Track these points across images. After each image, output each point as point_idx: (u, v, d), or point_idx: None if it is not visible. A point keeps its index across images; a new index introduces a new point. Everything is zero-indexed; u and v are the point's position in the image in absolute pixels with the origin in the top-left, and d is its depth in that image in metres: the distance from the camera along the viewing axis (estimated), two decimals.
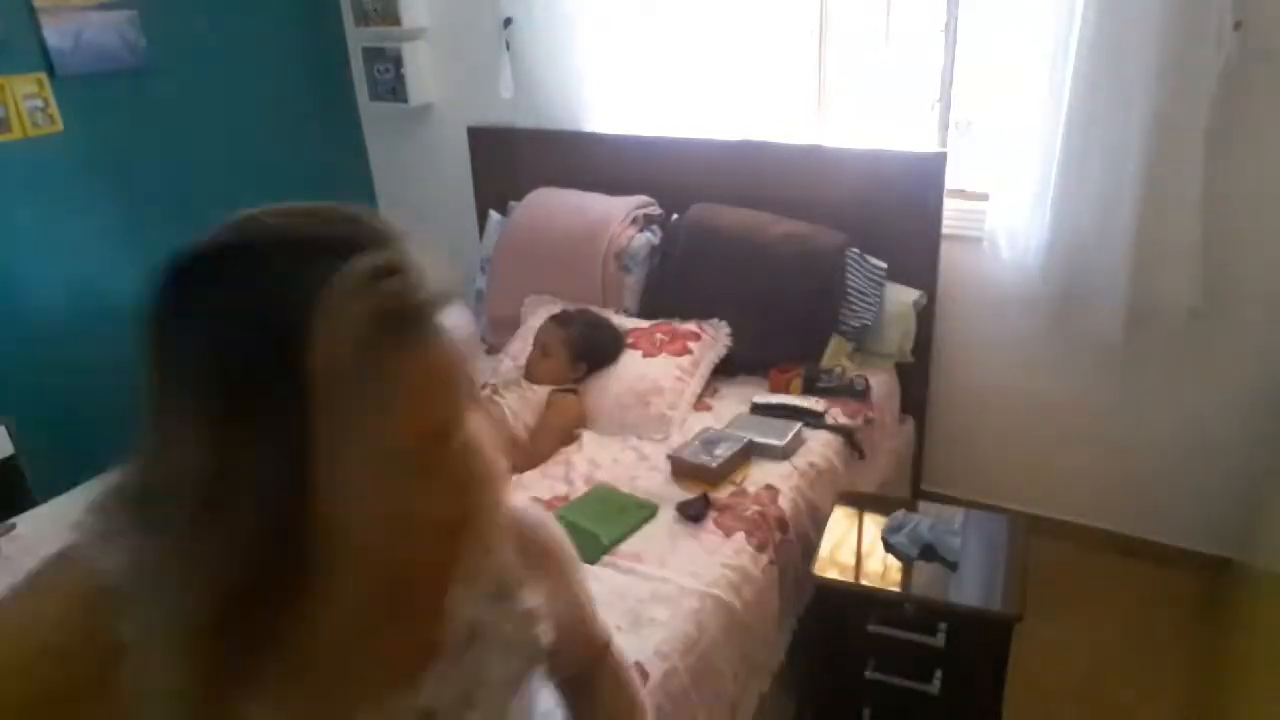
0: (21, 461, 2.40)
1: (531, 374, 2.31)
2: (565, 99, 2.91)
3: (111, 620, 0.59)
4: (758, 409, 2.23)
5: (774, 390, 2.33)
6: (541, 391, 2.24)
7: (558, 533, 0.87)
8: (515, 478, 2.06)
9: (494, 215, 3.04)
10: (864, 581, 1.84)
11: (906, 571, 1.85)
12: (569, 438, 2.21)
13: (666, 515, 1.87)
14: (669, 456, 2.04)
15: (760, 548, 1.80)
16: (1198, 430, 2.45)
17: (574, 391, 2.30)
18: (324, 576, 0.59)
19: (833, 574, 1.86)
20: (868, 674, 1.87)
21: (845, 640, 1.89)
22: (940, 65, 2.46)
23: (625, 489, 1.97)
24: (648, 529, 1.83)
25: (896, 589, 1.82)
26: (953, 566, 1.83)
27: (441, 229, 3.48)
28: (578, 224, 2.73)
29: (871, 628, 1.83)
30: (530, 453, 2.12)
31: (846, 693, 1.94)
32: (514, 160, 3.10)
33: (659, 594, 1.63)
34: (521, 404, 2.19)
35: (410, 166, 3.49)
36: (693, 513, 1.84)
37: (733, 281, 2.49)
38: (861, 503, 2.07)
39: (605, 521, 1.82)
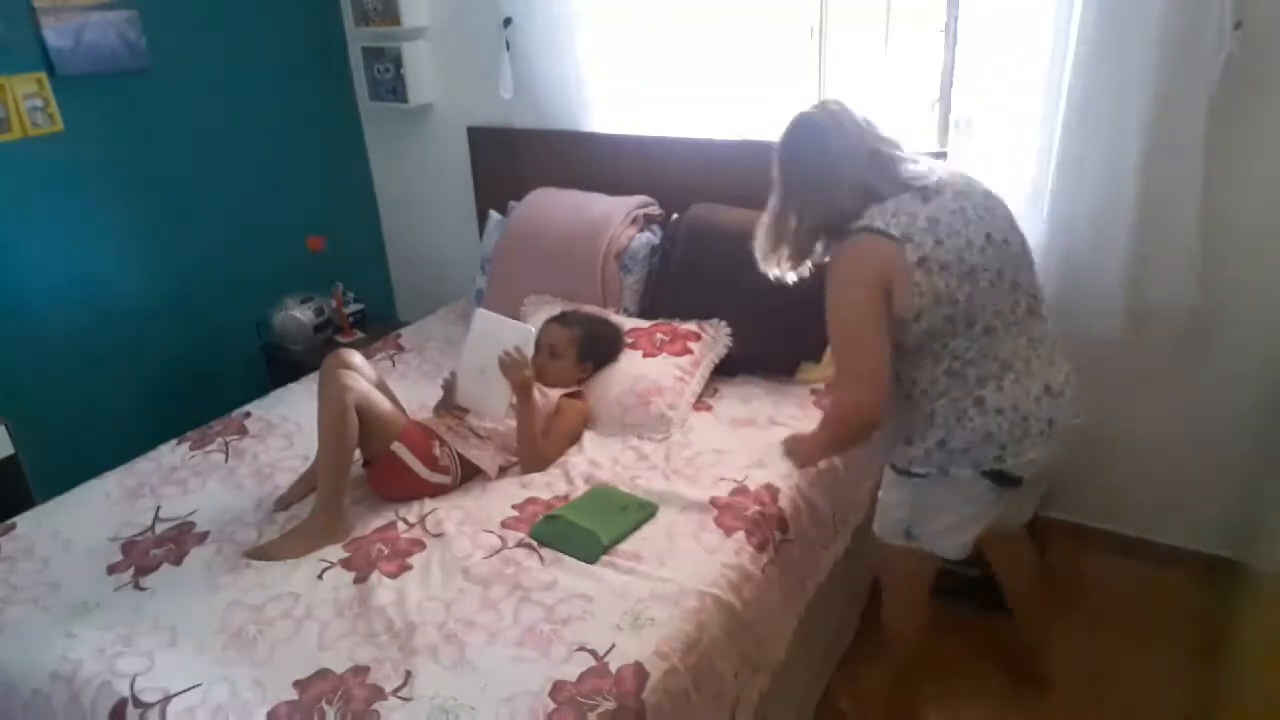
0: (21, 461, 2.40)
1: (541, 377, 2.29)
2: (565, 99, 2.91)
3: None
4: None
5: None
6: (554, 396, 2.23)
7: None
8: (520, 479, 2.06)
9: (494, 215, 3.04)
10: None
11: None
12: (575, 440, 2.21)
13: (666, 515, 1.87)
14: None
15: (760, 548, 1.80)
16: (1198, 430, 2.45)
17: (580, 395, 2.30)
18: None
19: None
20: None
21: None
22: (940, 65, 2.46)
23: (625, 489, 1.97)
24: (647, 529, 1.83)
25: None
26: None
27: (441, 229, 3.49)
28: (578, 224, 2.73)
29: None
30: (539, 456, 2.11)
31: None
32: (514, 160, 3.10)
33: (659, 594, 1.63)
34: None
35: (410, 166, 3.49)
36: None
37: (733, 281, 2.49)
38: None
39: (605, 521, 1.82)
